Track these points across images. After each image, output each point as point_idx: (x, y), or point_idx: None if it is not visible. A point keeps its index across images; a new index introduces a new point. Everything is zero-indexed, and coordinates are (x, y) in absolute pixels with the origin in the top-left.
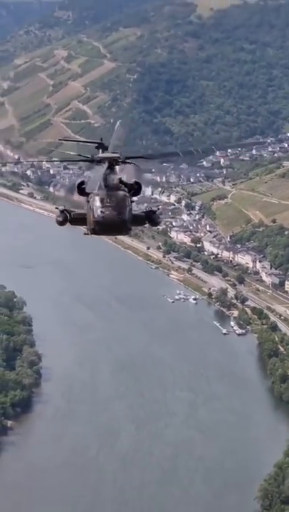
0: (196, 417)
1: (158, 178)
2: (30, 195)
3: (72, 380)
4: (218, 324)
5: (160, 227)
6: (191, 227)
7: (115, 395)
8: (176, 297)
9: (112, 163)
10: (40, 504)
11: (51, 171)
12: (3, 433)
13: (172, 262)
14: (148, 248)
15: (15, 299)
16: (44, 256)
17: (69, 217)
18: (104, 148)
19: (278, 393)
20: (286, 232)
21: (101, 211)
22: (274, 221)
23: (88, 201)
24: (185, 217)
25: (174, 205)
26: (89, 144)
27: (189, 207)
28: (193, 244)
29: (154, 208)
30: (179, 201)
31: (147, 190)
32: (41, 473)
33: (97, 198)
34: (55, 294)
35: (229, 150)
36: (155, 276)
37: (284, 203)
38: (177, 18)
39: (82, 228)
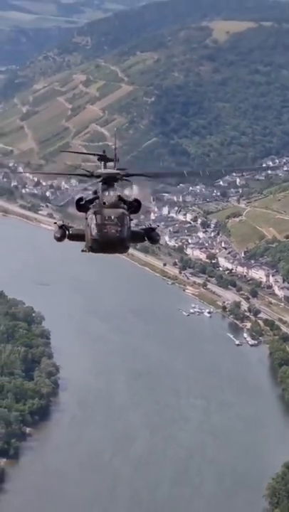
0: (209, 422)
1: (175, 198)
2: (50, 215)
3: (88, 389)
4: (231, 336)
5: (176, 245)
6: (207, 244)
7: (130, 402)
8: (191, 311)
9: (112, 179)
10: (58, 504)
11: (69, 192)
12: (22, 439)
13: (188, 278)
14: (164, 265)
15: (33, 314)
16: (61, 273)
17: (67, 233)
18: (107, 161)
19: (288, 400)
20: None
21: (99, 229)
22: (287, 237)
23: (86, 218)
24: (201, 234)
25: (190, 223)
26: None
27: (205, 225)
28: (208, 261)
29: (154, 226)
30: (195, 219)
31: (164, 210)
32: (59, 475)
33: (95, 216)
34: (73, 309)
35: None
36: (171, 292)
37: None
38: (193, 42)
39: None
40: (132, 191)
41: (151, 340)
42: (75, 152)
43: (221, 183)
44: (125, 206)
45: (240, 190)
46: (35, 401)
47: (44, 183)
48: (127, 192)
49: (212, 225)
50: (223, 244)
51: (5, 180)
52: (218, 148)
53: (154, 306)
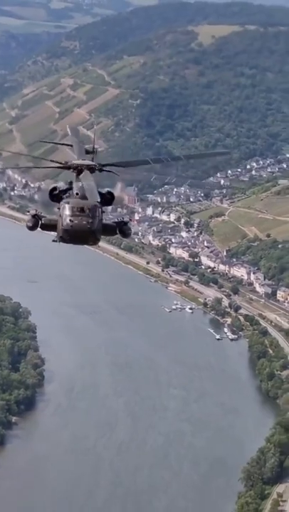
0: (188, 411)
1: (159, 199)
2: None
3: (73, 380)
4: (212, 331)
5: (160, 244)
6: (190, 243)
7: (113, 393)
8: (174, 307)
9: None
10: (43, 486)
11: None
12: (8, 427)
13: (170, 276)
14: (148, 263)
15: (20, 309)
16: (48, 271)
17: (40, 223)
18: (86, 153)
19: (265, 390)
20: (280, 246)
21: (70, 220)
22: (268, 236)
23: (59, 208)
24: (184, 234)
25: (174, 223)
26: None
27: (188, 224)
28: (191, 259)
29: (126, 219)
30: (178, 219)
31: (148, 210)
32: (43, 460)
33: (67, 206)
34: (59, 305)
35: (229, 171)
36: (154, 289)
37: (278, 219)
38: (179, 46)
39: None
40: (116, 189)
41: (134, 334)
42: (51, 142)
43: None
44: (98, 198)
45: (224, 191)
46: (20, 391)
47: (32, 185)
48: (111, 189)
49: (195, 225)
50: (205, 244)
51: None
52: (202, 150)
53: (138, 303)
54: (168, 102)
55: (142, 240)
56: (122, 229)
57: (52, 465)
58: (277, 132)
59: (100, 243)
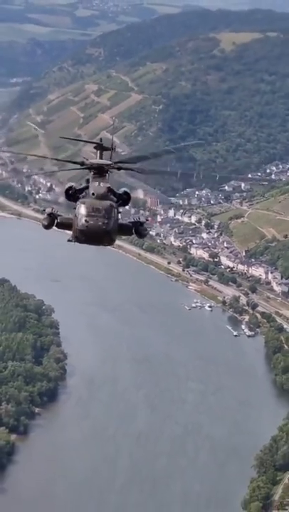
0: (206, 403)
1: (180, 201)
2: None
3: (94, 374)
4: (230, 328)
5: (181, 245)
6: (210, 244)
7: (133, 386)
8: (193, 305)
9: (102, 170)
10: (63, 472)
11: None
12: (32, 418)
13: (191, 275)
14: (169, 263)
15: (44, 307)
16: (71, 271)
17: (55, 222)
18: (103, 149)
19: (280, 383)
20: None
21: (85, 220)
22: (286, 236)
23: (74, 208)
24: (204, 235)
25: (195, 224)
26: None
27: (208, 226)
28: (210, 259)
29: (142, 219)
30: (199, 221)
31: (170, 212)
32: (65, 448)
33: (82, 206)
34: (81, 303)
35: (249, 175)
36: (175, 288)
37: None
38: (201, 53)
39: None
40: (138, 194)
41: (155, 331)
42: (73, 139)
43: (226, 187)
44: (114, 198)
45: (245, 194)
46: (43, 383)
47: (57, 189)
48: (133, 195)
49: (215, 226)
50: (225, 244)
51: (19, 185)
52: (224, 154)
53: (158, 301)
54: (190, 107)
55: (164, 241)
56: (137, 229)
57: (73, 452)
58: None
59: (122, 244)
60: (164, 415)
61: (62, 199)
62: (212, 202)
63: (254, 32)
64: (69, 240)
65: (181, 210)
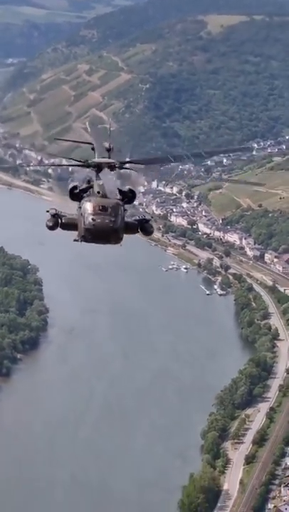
0: (175, 352)
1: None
2: (50, 189)
3: (73, 326)
4: (203, 287)
5: (162, 213)
6: (189, 213)
7: (109, 336)
8: (170, 267)
9: (107, 168)
10: (42, 408)
11: (70, 169)
12: (14, 362)
13: (169, 240)
14: None
15: (29, 266)
16: (57, 236)
17: (60, 222)
18: (106, 150)
19: (245, 336)
20: (270, 215)
21: (92, 218)
22: (260, 206)
23: (80, 207)
24: (184, 204)
25: (176, 195)
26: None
27: (189, 196)
28: (189, 226)
29: (148, 217)
30: (180, 192)
31: (153, 183)
32: (44, 389)
33: (88, 205)
34: (64, 264)
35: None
36: (154, 252)
37: (270, 191)
38: (188, 34)
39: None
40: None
41: (133, 288)
42: (68, 140)
43: (209, 162)
44: (119, 196)
45: (225, 168)
46: (25, 332)
47: (46, 161)
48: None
49: (195, 197)
50: (203, 213)
51: (11, 159)
52: (207, 131)
53: (137, 262)
54: (176, 86)
55: (146, 210)
56: (143, 226)
57: (51, 392)
58: (279, 116)
59: None
60: (136, 361)
61: (51, 170)
62: (193, 174)
63: (241, 15)
64: (75, 240)
65: (164, 182)
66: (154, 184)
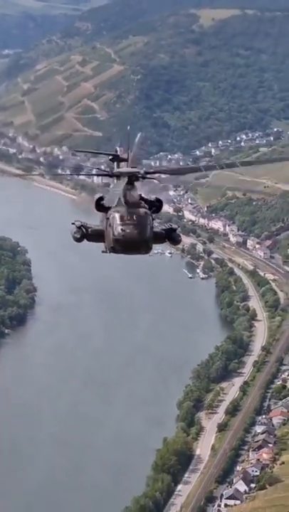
0: (156, 329)
1: (152, 163)
2: (41, 175)
3: (60, 304)
4: (186, 271)
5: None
6: (175, 200)
7: (93, 314)
8: (155, 251)
9: (132, 178)
10: (28, 377)
11: (60, 157)
12: (2, 336)
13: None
14: None
15: (18, 248)
16: (48, 221)
17: (86, 234)
18: (120, 160)
19: (224, 316)
20: (254, 203)
21: (121, 229)
22: (244, 194)
23: (107, 218)
24: (171, 192)
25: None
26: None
27: (176, 185)
28: (175, 213)
29: (174, 226)
30: None
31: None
32: (30, 360)
33: (117, 215)
34: (53, 246)
35: (220, 142)
36: None
37: (255, 180)
38: (181, 27)
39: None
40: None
41: (118, 270)
42: (88, 151)
43: (198, 152)
44: (147, 206)
45: (212, 158)
46: (13, 309)
47: (38, 150)
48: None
49: (182, 185)
50: (189, 201)
51: (4, 147)
52: (196, 122)
53: None
54: (166, 78)
55: None
56: (171, 236)
57: (36, 364)
58: (267, 108)
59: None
60: (118, 337)
61: (42, 159)
62: (181, 163)
63: (233, 9)
64: (103, 252)
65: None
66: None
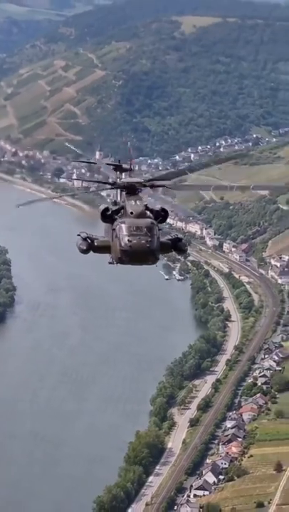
0: (132, 328)
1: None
2: (23, 178)
3: (39, 303)
4: (162, 272)
5: None
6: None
7: (72, 313)
8: None
9: (136, 188)
10: (5, 373)
11: (42, 161)
12: None
13: None
14: None
15: None
16: (28, 222)
17: (93, 246)
18: (122, 170)
19: (198, 316)
20: (230, 207)
21: (128, 240)
22: (222, 198)
23: (114, 229)
24: (149, 198)
25: None
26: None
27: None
28: None
29: (180, 236)
30: None
31: (123, 176)
32: (8, 357)
33: (123, 226)
34: (32, 246)
35: (200, 147)
36: None
37: (232, 185)
38: (163, 34)
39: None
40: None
41: (95, 271)
42: (83, 162)
43: (177, 157)
44: (152, 216)
45: (191, 162)
46: None
47: (21, 154)
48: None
49: (160, 189)
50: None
51: None
52: (176, 127)
53: None
54: (147, 83)
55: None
56: (176, 245)
57: (14, 359)
58: (246, 114)
59: (75, 202)
60: (95, 335)
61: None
62: (160, 168)
63: (215, 17)
64: (110, 263)
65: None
66: (122, 176)
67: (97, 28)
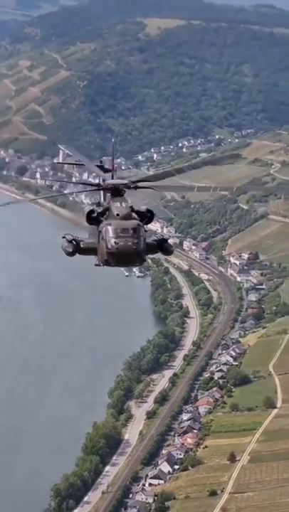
0: (92, 323)
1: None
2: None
3: (1, 298)
4: (122, 269)
5: (90, 202)
6: None
7: (33, 307)
8: None
9: (121, 190)
10: None
11: (6, 160)
12: None
13: None
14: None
15: None
16: None
17: (78, 247)
18: (105, 171)
19: (158, 312)
20: (192, 206)
21: (114, 242)
22: (183, 197)
23: (100, 231)
24: None
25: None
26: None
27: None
28: None
29: (166, 237)
30: None
31: (84, 175)
32: None
33: (110, 228)
34: None
35: (162, 148)
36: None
37: (195, 184)
38: (127, 35)
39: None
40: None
41: (58, 268)
42: (70, 163)
43: (140, 157)
44: (137, 217)
45: (154, 162)
46: None
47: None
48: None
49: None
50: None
51: None
52: (139, 127)
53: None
54: (112, 84)
55: (76, 199)
56: (162, 246)
57: None
58: (210, 116)
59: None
60: (56, 330)
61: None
62: (122, 168)
63: (180, 19)
64: (96, 265)
65: (94, 174)
66: (85, 175)
67: (63, 28)
